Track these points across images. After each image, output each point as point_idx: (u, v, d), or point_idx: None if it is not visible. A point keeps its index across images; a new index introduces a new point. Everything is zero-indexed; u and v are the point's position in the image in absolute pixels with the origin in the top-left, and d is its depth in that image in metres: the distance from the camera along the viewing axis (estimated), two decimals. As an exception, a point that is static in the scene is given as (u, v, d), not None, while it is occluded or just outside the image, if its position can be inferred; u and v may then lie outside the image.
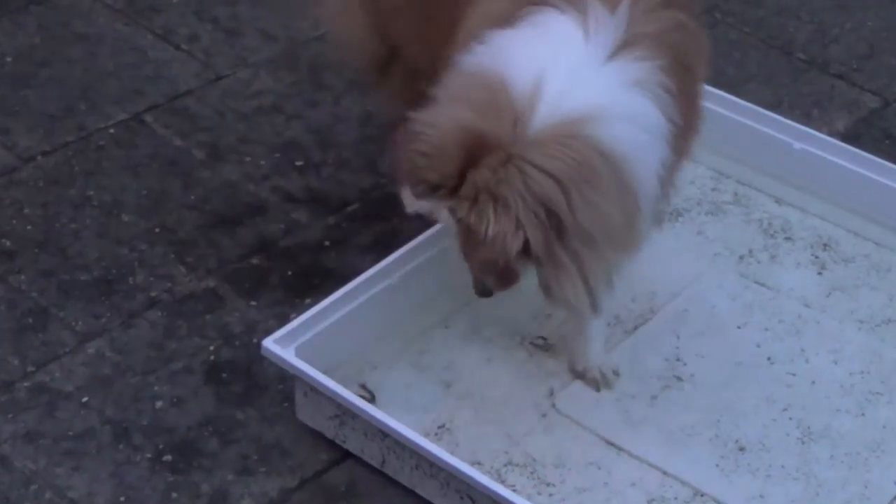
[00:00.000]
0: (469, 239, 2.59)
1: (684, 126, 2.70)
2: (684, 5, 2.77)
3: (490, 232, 2.48)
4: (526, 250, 2.51)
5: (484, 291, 2.75)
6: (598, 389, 3.07)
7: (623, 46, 2.59)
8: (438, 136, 2.51)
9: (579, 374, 3.11)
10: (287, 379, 2.99)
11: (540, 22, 2.61)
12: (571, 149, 2.48)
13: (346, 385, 2.89)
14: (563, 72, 2.53)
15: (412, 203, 3.26)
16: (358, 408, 2.80)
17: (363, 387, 3.01)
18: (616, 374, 3.09)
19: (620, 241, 2.61)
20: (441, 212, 2.69)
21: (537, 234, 2.49)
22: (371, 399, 2.97)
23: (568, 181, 2.47)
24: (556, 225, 2.50)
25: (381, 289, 3.04)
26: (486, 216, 2.48)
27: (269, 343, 2.89)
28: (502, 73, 2.54)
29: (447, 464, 2.72)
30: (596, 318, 3.04)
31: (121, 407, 3.01)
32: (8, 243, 3.37)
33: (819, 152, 3.55)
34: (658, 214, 2.85)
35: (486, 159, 2.49)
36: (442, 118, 2.53)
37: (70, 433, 2.95)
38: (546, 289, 2.60)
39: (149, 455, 2.92)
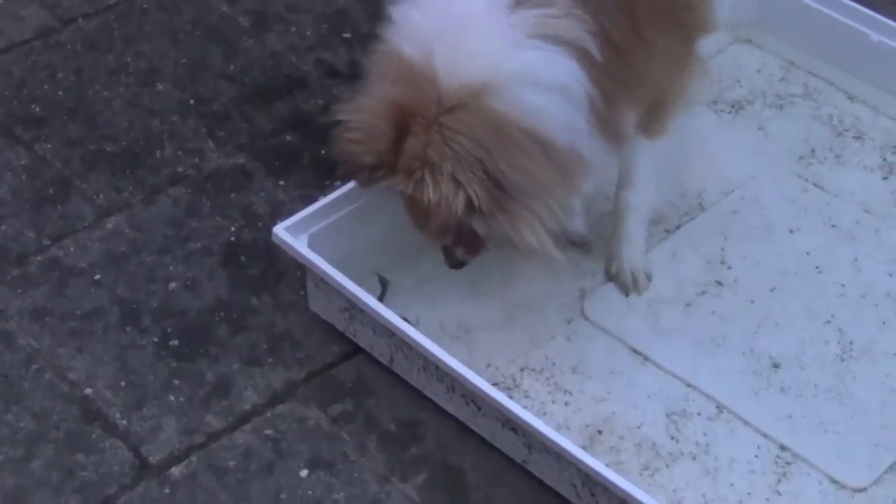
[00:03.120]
0: (416, 210, 2.56)
1: (628, 49, 2.56)
2: None
3: (432, 197, 2.48)
4: (473, 207, 2.49)
5: (456, 263, 2.75)
6: (626, 293, 2.92)
7: None
8: (365, 118, 2.53)
9: (612, 277, 2.96)
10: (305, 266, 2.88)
11: None
12: (480, 118, 2.44)
13: (359, 279, 2.78)
14: (455, 34, 2.46)
15: None
16: (365, 304, 2.68)
17: (378, 276, 2.90)
18: (648, 278, 2.94)
19: (560, 186, 2.55)
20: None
21: (479, 189, 2.47)
22: (383, 287, 2.86)
23: (488, 144, 2.45)
24: (494, 178, 2.47)
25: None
26: (425, 183, 2.47)
27: (280, 230, 2.78)
28: (402, 42, 2.52)
29: (451, 368, 2.59)
30: (634, 218, 2.92)
31: (133, 287, 2.94)
32: (38, 109, 3.29)
33: (899, 46, 3.31)
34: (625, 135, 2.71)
35: (413, 129, 2.48)
36: (365, 101, 2.54)
37: (78, 312, 2.88)
38: (509, 241, 2.56)
39: (155, 339, 2.84)
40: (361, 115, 2.53)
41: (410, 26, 2.51)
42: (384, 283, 2.89)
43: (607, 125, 2.55)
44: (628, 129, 2.66)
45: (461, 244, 2.67)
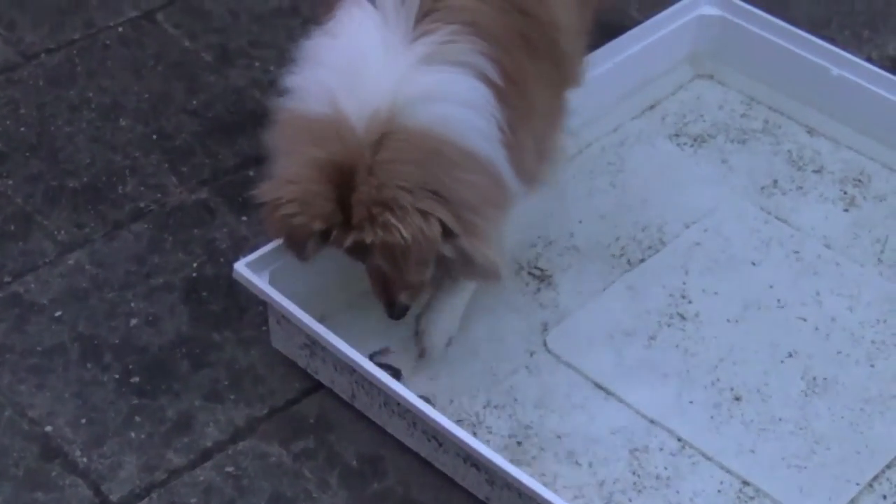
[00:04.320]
0: (391, 256, 2.48)
1: (520, 79, 2.56)
2: None
3: (405, 234, 2.42)
4: (447, 232, 2.46)
5: (402, 310, 2.69)
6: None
7: (421, 20, 2.46)
8: (299, 187, 2.45)
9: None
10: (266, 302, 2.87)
11: (337, 25, 2.52)
12: (410, 142, 2.42)
13: (321, 315, 2.78)
14: (355, 77, 2.44)
15: None
16: (326, 340, 2.67)
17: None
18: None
19: (498, 198, 2.55)
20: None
21: (445, 212, 2.44)
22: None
23: (428, 165, 2.43)
24: (448, 199, 2.45)
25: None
26: (393, 224, 2.42)
27: (241, 267, 2.77)
28: (303, 104, 2.48)
29: (412, 405, 2.59)
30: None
31: (94, 323, 2.92)
32: (-1, 144, 3.29)
33: (858, 80, 3.34)
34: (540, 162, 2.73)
35: (354, 180, 2.42)
36: (289, 172, 2.47)
37: (38, 348, 2.87)
38: (469, 264, 2.53)
39: (116, 376, 2.83)
40: (292, 186, 2.46)
41: (308, 87, 2.49)
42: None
43: (513, 152, 2.54)
44: (530, 163, 2.65)
45: (406, 288, 2.64)
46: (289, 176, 2.47)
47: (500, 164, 2.52)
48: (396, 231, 2.42)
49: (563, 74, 2.73)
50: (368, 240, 2.45)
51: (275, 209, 2.48)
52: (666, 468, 2.71)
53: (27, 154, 3.26)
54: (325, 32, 2.54)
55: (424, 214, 2.42)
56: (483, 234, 2.50)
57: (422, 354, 2.81)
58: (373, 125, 2.41)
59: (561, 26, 2.68)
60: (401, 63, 2.43)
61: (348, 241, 2.47)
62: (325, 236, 2.50)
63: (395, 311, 2.68)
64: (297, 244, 2.54)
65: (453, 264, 2.55)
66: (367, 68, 2.44)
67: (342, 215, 2.46)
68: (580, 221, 3.15)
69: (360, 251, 2.51)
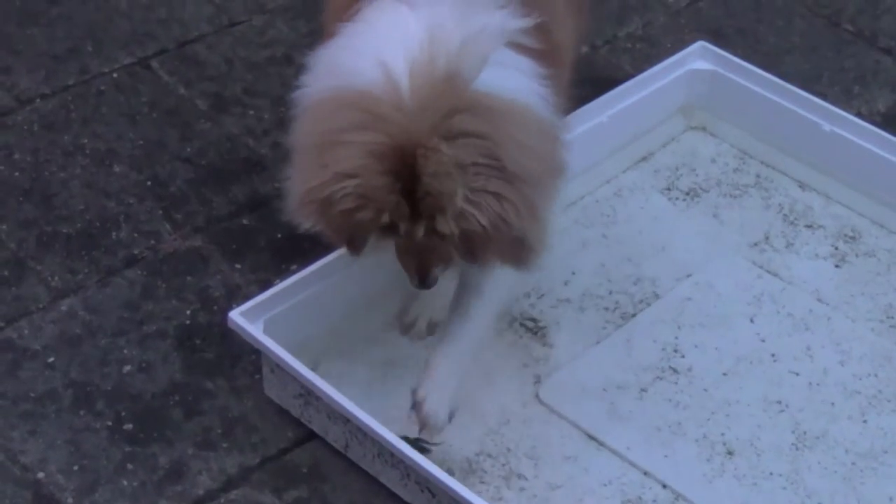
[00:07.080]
0: (469, 246, 2.33)
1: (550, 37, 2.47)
2: None
3: (483, 221, 2.27)
4: (519, 211, 2.32)
5: (433, 282, 2.47)
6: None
7: None
8: (359, 181, 2.29)
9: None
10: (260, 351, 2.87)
11: (368, 14, 2.42)
12: (471, 113, 2.26)
13: (315, 364, 2.78)
14: (405, 43, 2.29)
15: None
16: (320, 390, 2.67)
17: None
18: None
19: (557, 171, 2.43)
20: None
21: (515, 192, 2.28)
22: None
23: (496, 138, 2.27)
24: (508, 171, 2.28)
25: (361, 264, 2.89)
26: (469, 213, 2.26)
27: (236, 315, 2.77)
28: (343, 77, 2.33)
29: (406, 455, 2.59)
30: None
31: (86, 369, 2.91)
32: (-8, 190, 3.29)
33: (850, 136, 3.35)
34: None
35: (417, 166, 2.25)
36: (343, 164, 2.29)
37: (31, 395, 2.86)
38: (519, 245, 2.36)
39: (109, 423, 2.82)
40: (350, 181, 2.27)
41: (347, 65, 2.35)
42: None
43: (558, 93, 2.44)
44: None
45: (441, 260, 2.44)
46: (345, 169, 2.28)
47: (557, 126, 2.40)
48: (474, 219, 2.27)
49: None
50: (445, 231, 2.29)
51: (330, 205, 2.31)
52: (659, 522, 2.72)
53: (21, 199, 3.26)
54: (351, 22, 2.42)
55: (498, 197, 2.26)
56: (540, 212, 2.34)
57: (422, 428, 2.66)
58: (429, 97, 2.25)
59: (563, 50, 2.60)
60: (446, 29, 2.28)
61: (420, 233, 2.31)
62: (389, 229, 2.34)
63: (428, 283, 2.46)
64: (357, 240, 2.40)
65: (506, 244, 2.36)
66: (412, 39, 2.28)
67: (409, 206, 2.29)
68: (573, 273, 3.15)
69: (428, 241, 2.35)
